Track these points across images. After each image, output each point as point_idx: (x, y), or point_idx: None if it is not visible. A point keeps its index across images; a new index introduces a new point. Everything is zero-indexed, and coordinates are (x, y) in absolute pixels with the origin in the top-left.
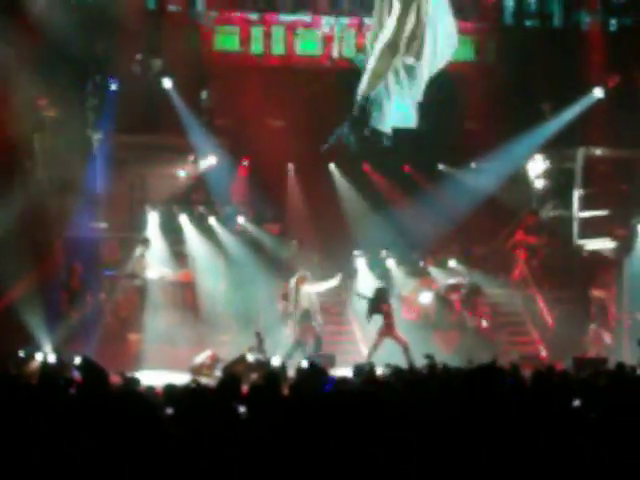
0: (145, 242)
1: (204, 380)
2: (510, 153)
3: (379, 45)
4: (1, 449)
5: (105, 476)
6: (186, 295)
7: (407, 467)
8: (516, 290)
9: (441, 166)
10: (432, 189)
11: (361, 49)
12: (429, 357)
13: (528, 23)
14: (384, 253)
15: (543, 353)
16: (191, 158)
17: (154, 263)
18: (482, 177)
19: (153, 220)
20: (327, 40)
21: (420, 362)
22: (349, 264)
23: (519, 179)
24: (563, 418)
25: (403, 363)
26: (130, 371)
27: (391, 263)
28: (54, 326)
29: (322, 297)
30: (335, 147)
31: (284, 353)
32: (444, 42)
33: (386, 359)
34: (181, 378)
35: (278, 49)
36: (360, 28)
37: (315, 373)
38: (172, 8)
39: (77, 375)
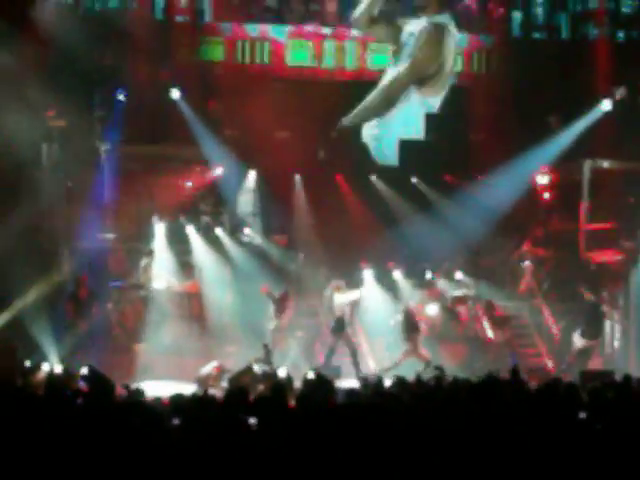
0: (150, 253)
1: (210, 391)
2: (517, 165)
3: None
4: (8, 458)
5: None
6: (193, 306)
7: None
8: (523, 302)
9: (448, 178)
10: (439, 201)
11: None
12: (439, 369)
13: (536, 35)
14: (391, 265)
15: (549, 365)
16: (198, 169)
17: (161, 274)
18: (489, 189)
19: (160, 231)
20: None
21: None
22: (356, 276)
23: (526, 191)
24: (569, 430)
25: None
26: (136, 382)
27: (398, 275)
28: (61, 336)
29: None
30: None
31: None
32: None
33: (393, 371)
34: (187, 389)
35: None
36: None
37: (321, 384)
38: (180, 19)
39: (83, 385)
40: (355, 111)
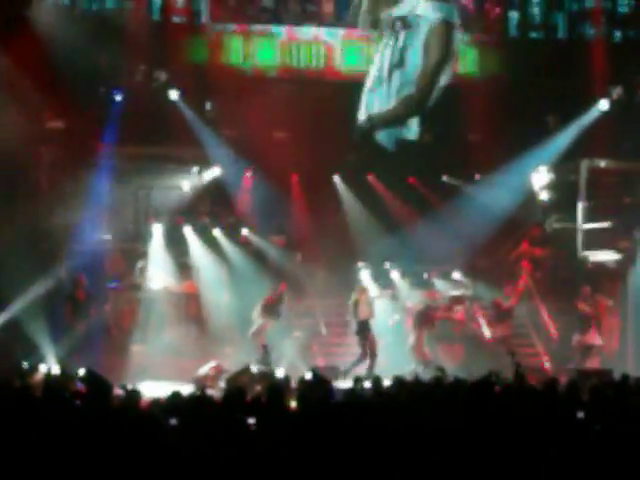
0: (144, 255)
1: (208, 391)
2: (516, 166)
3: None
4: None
5: None
6: (190, 307)
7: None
8: (520, 302)
9: (445, 178)
10: (436, 201)
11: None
12: (441, 370)
13: (533, 35)
14: (388, 265)
15: (547, 365)
16: (195, 169)
17: (157, 275)
18: (486, 189)
19: (157, 231)
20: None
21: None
22: (353, 276)
23: (524, 191)
24: (568, 430)
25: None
26: (133, 383)
27: (395, 275)
28: (58, 338)
29: (325, 309)
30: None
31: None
32: None
33: (391, 370)
34: (185, 389)
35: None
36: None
37: (318, 384)
38: (176, 19)
39: (81, 387)
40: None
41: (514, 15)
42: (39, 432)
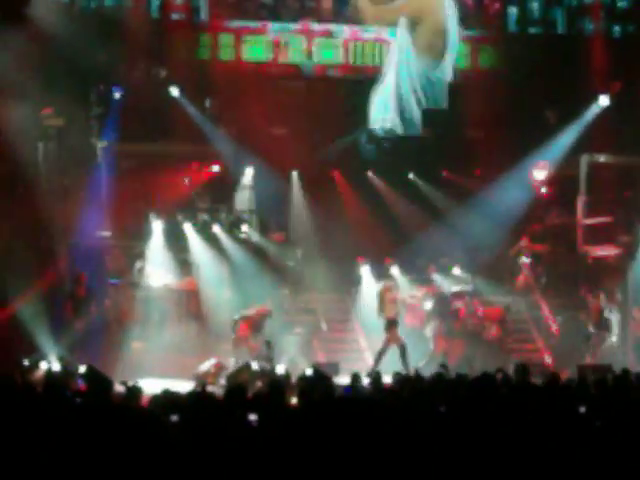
0: (142, 255)
1: (209, 388)
2: (519, 164)
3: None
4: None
5: None
6: (190, 303)
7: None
8: (521, 297)
9: (445, 173)
10: (436, 196)
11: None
12: (444, 366)
13: (532, 30)
14: (389, 260)
15: (548, 360)
16: (195, 166)
17: (157, 272)
18: (487, 185)
19: (157, 228)
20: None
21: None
22: (353, 271)
23: (525, 187)
24: (568, 425)
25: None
26: (134, 379)
27: (395, 270)
28: (59, 335)
29: (326, 305)
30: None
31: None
32: None
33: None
34: (185, 386)
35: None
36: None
37: (319, 380)
38: (175, 16)
39: (82, 384)
40: None
41: (513, 10)
42: (40, 429)
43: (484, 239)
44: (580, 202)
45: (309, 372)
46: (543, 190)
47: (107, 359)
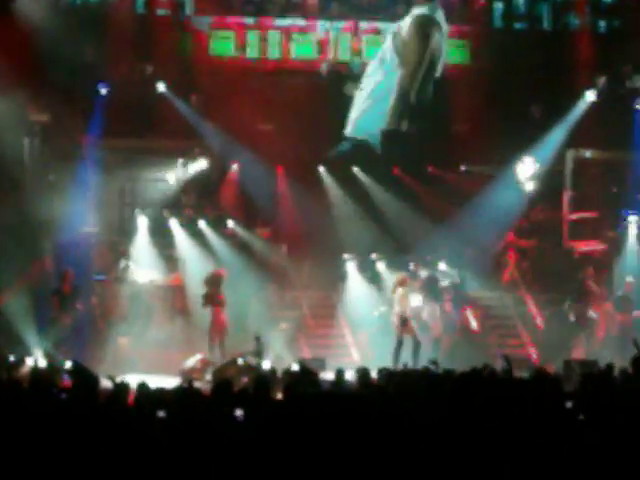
0: (124, 252)
1: (195, 384)
2: (501, 156)
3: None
4: None
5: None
6: (176, 299)
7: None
8: (506, 292)
9: (431, 169)
10: (422, 192)
11: (357, 52)
12: (434, 363)
13: (517, 26)
14: (374, 256)
15: (534, 355)
16: (181, 162)
17: (142, 268)
18: (472, 180)
19: (143, 224)
20: (322, 44)
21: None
22: (339, 268)
23: (509, 182)
24: (554, 420)
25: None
26: (120, 375)
27: (381, 266)
28: (45, 330)
29: (312, 300)
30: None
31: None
32: None
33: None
34: (171, 382)
35: (274, 53)
36: (356, 32)
37: (305, 375)
38: (161, 12)
39: (68, 380)
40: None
41: (498, 6)
42: (26, 425)
43: (470, 234)
44: (566, 197)
45: (295, 367)
46: (529, 185)
47: (93, 355)
